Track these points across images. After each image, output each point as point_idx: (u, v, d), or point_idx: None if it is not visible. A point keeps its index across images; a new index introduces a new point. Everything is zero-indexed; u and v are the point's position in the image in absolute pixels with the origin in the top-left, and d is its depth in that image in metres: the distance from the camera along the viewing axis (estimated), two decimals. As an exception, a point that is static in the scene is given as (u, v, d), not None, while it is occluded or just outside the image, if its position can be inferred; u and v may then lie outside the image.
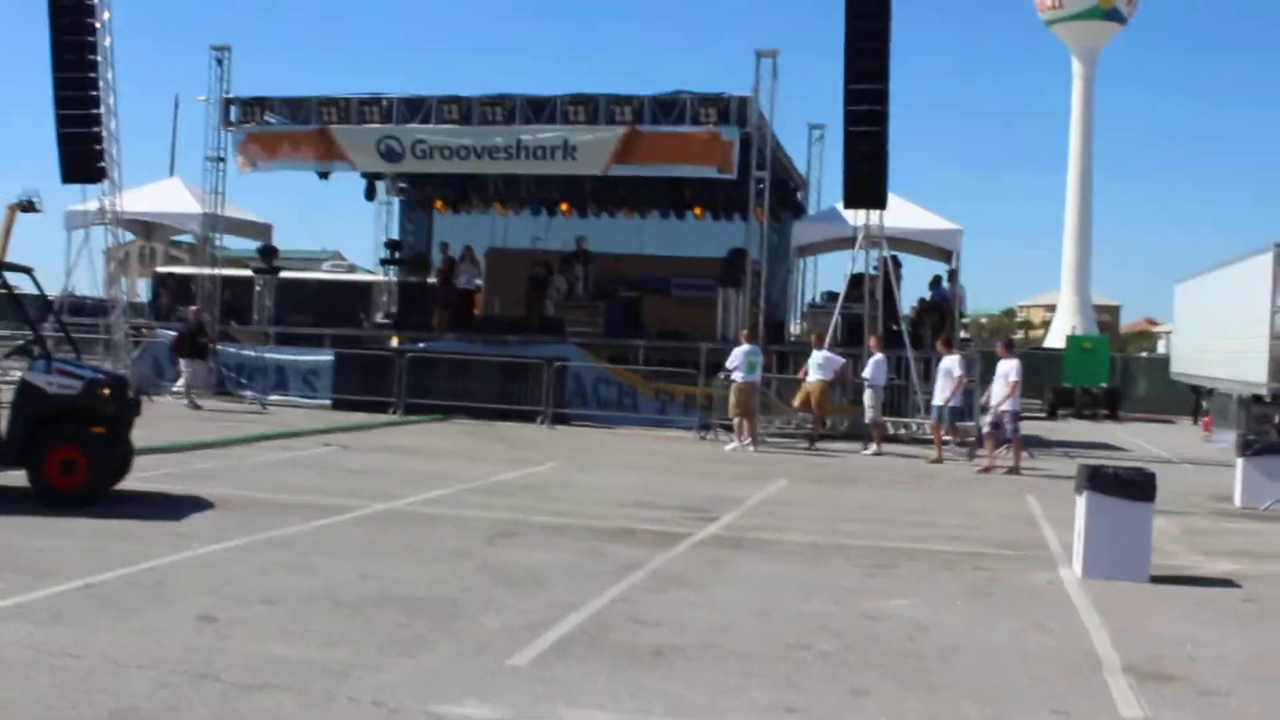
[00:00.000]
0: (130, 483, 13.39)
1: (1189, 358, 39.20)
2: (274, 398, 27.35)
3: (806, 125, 33.95)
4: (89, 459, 12.08)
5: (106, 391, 12.45)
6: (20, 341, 14.06)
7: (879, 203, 25.42)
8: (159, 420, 22.48)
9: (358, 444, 20.30)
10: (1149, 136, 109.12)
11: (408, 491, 14.48)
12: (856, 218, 26.02)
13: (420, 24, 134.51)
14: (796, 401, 23.79)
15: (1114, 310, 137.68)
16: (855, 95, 24.84)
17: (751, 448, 22.25)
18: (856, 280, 26.54)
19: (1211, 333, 34.61)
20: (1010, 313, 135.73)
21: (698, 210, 33.09)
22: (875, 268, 26.52)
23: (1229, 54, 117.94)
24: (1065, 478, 17.04)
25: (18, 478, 12.30)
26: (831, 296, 28.68)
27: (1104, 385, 41.89)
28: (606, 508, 14.06)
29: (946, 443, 21.99)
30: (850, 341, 25.65)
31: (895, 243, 26.99)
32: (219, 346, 28.30)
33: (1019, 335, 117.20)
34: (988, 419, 21.02)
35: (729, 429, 23.59)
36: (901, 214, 26.96)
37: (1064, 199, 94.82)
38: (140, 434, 18.76)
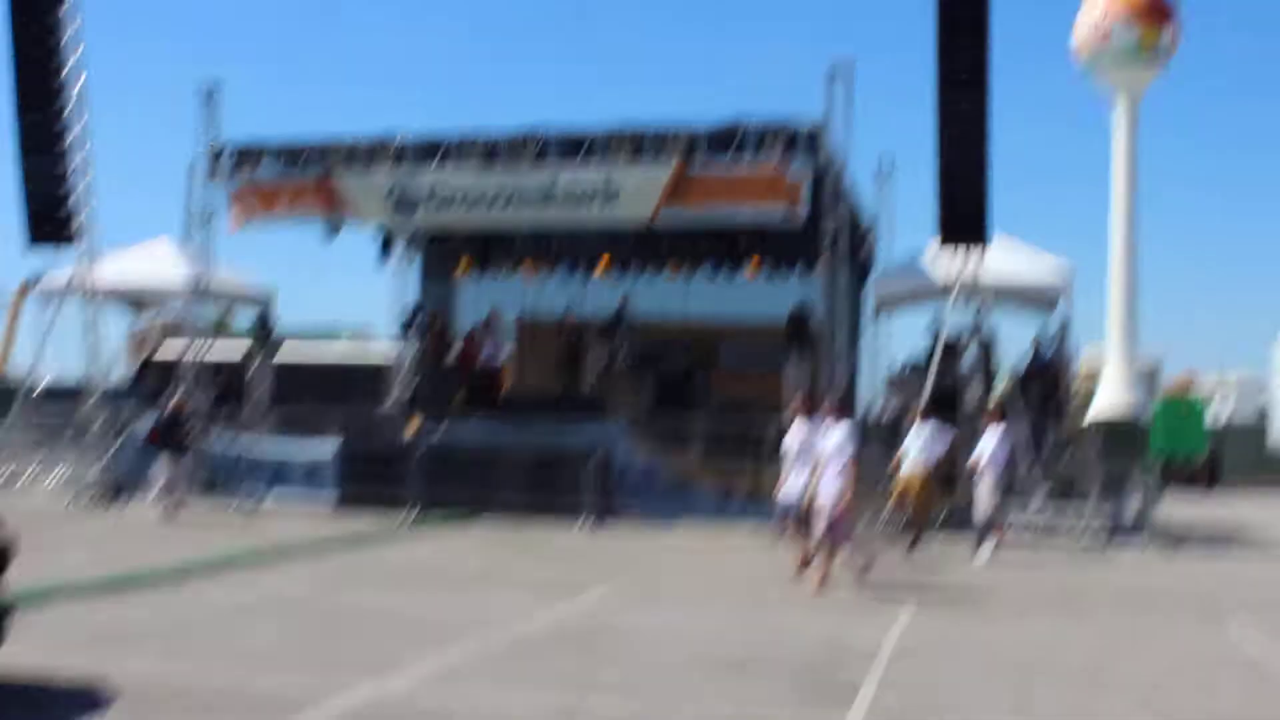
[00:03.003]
0: (4, 656, 9.29)
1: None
2: (272, 498, 23.38)
3: (877, 159, 29.79)
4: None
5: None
6: None
7: (980, 237, 21.37)
8: (118, 535, 18.79)
9: (357, 565, 16.21)
10: (1189, 182, 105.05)
11: (409, 655, 10.27)
12: (951, 262, 21.95)
13: (436, 54, 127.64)
14: (894, 497, 19.58)
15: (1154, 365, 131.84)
16: (950, 105, 20.86)
17: (843, 556, 17.93)
18: (951, 342, 22.48)
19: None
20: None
21: (754, 262, 28.95)
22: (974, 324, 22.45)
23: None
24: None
25: None
26: (916, 368, 24.59)
27: (1202, 454, 37.58)
28: (689, 676, 9.82)
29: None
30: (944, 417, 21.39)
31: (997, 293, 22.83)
32: (208, 439, 24.36)
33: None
34: (829, 514, 14.49)
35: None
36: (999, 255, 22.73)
37: (1108, 251, 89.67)
38: (82, 559, 15.04)
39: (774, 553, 18.49)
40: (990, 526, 18.65)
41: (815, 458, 15.03)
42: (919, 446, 18.96)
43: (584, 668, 10.10)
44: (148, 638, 10.92)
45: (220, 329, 32.67)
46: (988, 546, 18.42)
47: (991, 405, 19.85)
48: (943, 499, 20.21)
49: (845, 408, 15.47)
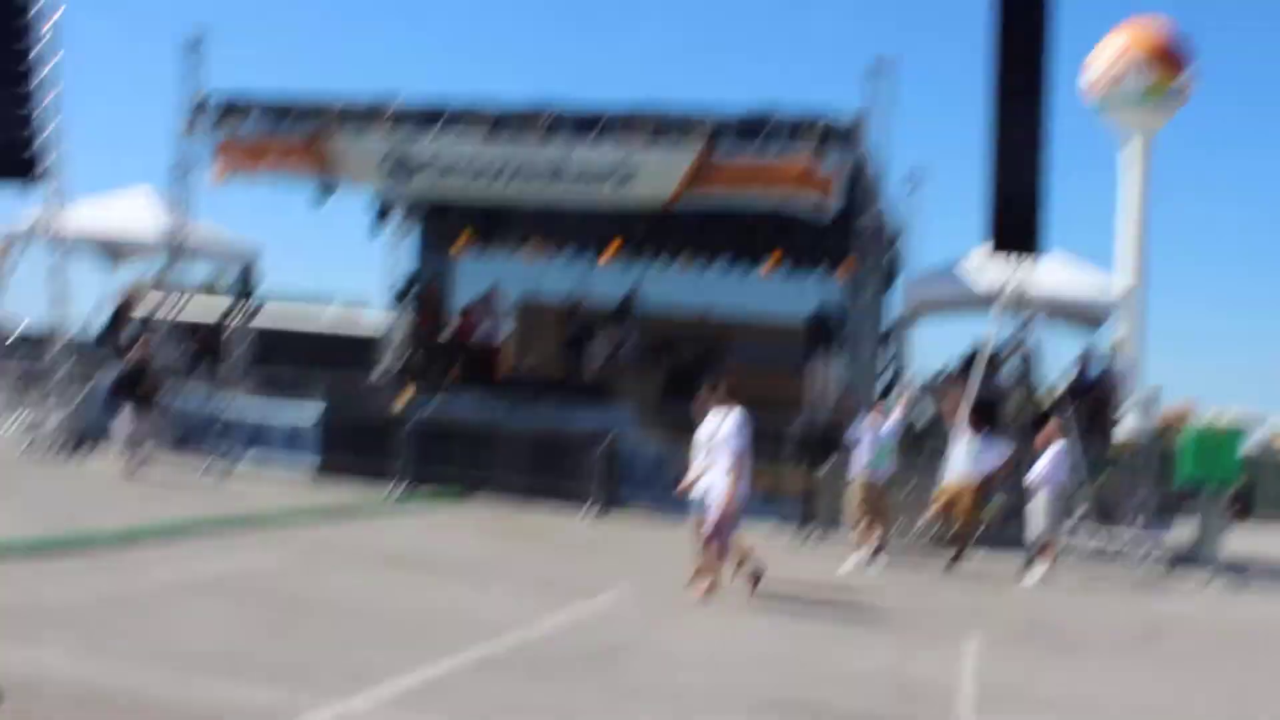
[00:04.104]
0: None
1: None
2: (248, 461, 21.48)
3: (908, 163, 27.80)
4: None
5: None
6: None
7: (1034, 247, 19.58)
8: (68, 488, 16.94)
9: (336, 543, 14.20)
10: (1195, 220, 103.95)
11: (386, 664, 8.32)
12: (997, 271, 20.17)
13: (442, 21, 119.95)
14: (937, 506, 17.72)
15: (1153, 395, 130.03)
16: (1007, 102, 19.04)
17: (877, 567, 16.11)
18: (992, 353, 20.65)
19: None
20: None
21: (774, 257, 27.01)
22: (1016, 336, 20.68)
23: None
24: None
25: None
26: (951, 377, 22.68)
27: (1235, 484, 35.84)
28: (720, 717, 7.95)
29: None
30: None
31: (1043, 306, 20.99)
32: (180, 394, 22.41)
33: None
34: (712, 515, 12.36)
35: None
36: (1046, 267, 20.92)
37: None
38: (18, 512, 13.19)
39: (798, 558, 16.76)
40: (1042, 548, 16.84)
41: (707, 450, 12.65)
42: (967, 457, 17.14)
43: (601, 695, 8.19)
44: (62, 625, 8.87)
45: (211, 289, 30.87)
46: (1038, 568, 16.58)
47: (1051, 420, 17.97)
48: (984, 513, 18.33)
49: (733, 395, 13.13)
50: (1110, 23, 46.02)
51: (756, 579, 12.70)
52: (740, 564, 12.75)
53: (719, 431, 12.51)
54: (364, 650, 8.74)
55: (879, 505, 16.39)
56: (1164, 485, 22.10)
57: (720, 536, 12.43)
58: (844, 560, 16.19)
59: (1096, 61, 46.76)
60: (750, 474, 12.71)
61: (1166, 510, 21.25)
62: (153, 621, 9.22)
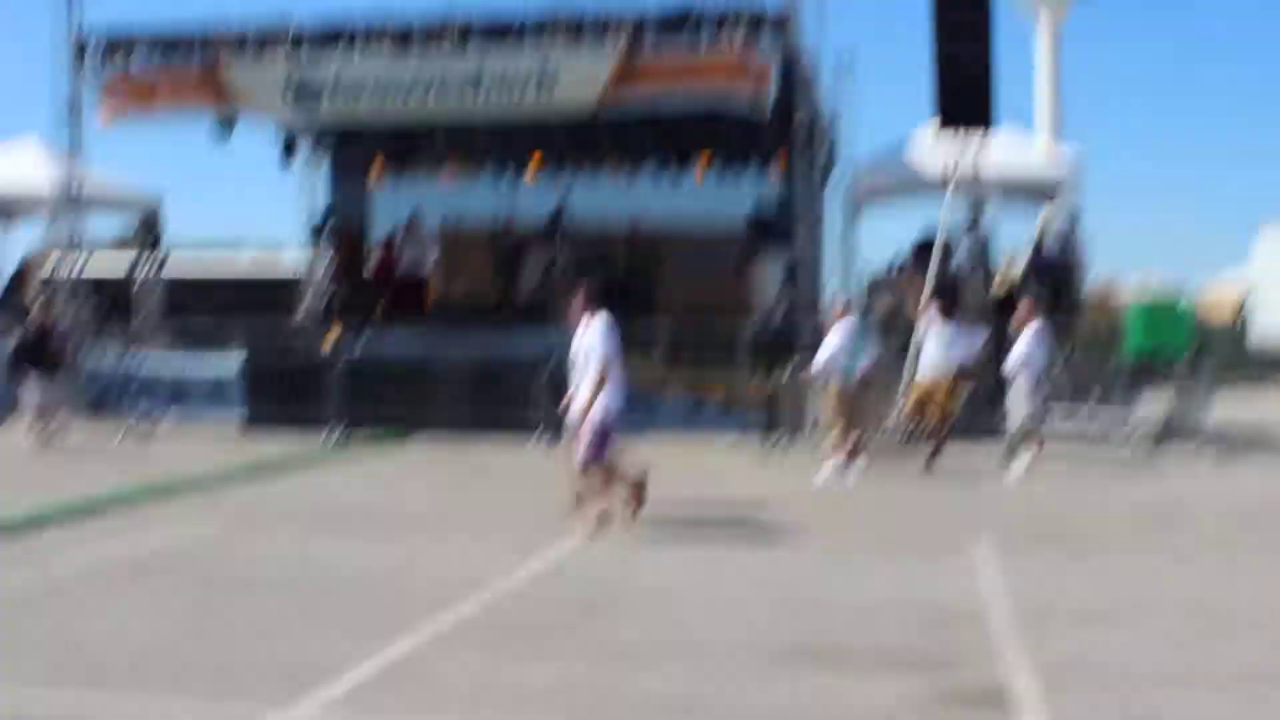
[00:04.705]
0: None
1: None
2: (171, 418, 20.13)
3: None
4: None
5: None
6: None
7: (985, 121, 18.57)
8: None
9: (270, 504, 12.94)
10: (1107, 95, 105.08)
11: (337, 646, 7.16)
12: (947, 151, 19.12)
13: None
14: (911, 402, 16.68)
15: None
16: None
17: (855, 474, 15.05)
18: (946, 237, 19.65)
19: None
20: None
21: (704, 159, 25.76)
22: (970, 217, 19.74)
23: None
24: None
25: None
26: (904, 267, 21.60)
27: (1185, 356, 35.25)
28: (742, 672, 6.82)
29: None
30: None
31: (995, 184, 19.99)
32: (90, 356, 20.99)
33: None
34: (587, 428, 11.26)
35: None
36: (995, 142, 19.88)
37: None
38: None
39: (769, 471, 15.77)
40: (1026, 436, 15.89)
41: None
42: (939, 348, 16.09)
43: (589, 661, 7.06)
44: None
45: (116, 243, 29.21)
46: (1024, 458, 15.60)
47: (1023, 302, 16.96)
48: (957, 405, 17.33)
49: (597, 301, 11.51)
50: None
51: (639, 495, 11.60)
52: (625, 485, 11.60)
53: (585, 342, 11.39)
54: (310, 636, 7.53)
55: (854, 409, 15.31)
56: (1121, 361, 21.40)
57: (596, 456, 11.29)
58: (818, 469, 15.14)
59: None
60: (622, 384, 11.51)
61: (1127, 386, 20.56)
62: (63, 613, 7.97)
